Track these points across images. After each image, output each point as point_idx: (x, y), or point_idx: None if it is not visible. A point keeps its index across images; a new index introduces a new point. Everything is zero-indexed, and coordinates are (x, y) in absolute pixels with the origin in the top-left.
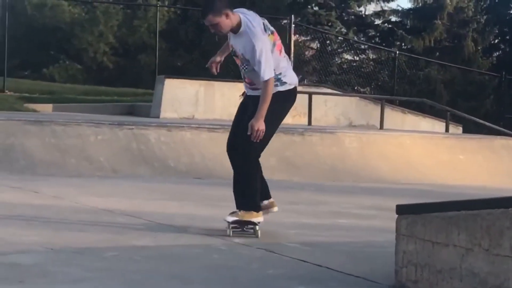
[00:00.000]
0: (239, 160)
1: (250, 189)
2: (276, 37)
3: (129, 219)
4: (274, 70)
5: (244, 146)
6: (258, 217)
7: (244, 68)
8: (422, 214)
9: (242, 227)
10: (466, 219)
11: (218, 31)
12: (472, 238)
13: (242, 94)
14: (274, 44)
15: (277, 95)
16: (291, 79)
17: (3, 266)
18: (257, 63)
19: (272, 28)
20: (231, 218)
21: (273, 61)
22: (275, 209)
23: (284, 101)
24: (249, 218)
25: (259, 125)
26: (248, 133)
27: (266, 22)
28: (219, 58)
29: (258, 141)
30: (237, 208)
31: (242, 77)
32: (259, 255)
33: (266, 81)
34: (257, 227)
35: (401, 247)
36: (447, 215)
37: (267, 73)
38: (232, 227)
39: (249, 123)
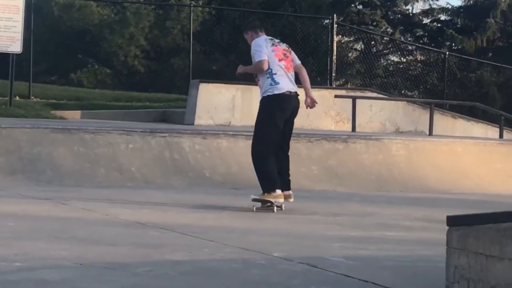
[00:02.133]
0: (252, 154)
1: (262, 176)
2: (279, 48)
3: (162, 232)
4: (269, 63)
5: (252, 144)
6: (275, 198)
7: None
8: (474, 226)
9: (263, 204)
10: None
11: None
12: None
13: None
14: (272, 50)
15: (268, 100)
16: (283, 85)
17: (30, 283)
18: (252, 55)
19: (278, 42)
20: (253, 196)
21: (269, 56)
22: (291, 199)
23: (274, 106)
24: (266, 198)
25: (238, 69)
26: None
27: (274, 39)
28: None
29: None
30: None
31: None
32: (300, 270)
33: (258, 61)
34: (274, 206)
35: (453, 261)
36: (501, 227)
37: (258, 56)
38: (255, 205)
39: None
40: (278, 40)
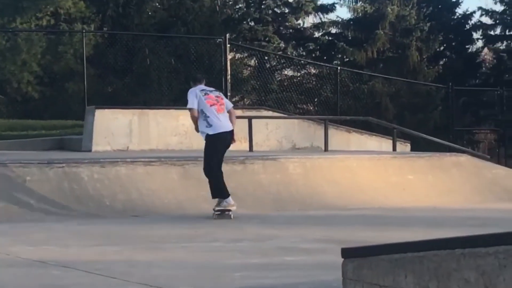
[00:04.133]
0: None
1: (216, 188)
2: (211, 96)
3: (64, 270)
4: (201, 110)
5: (203, 168)
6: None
7: None
8: (368, 257)
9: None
10: (412, 261)
11: None
12: (420, 280)
13: None
14: (205, 98)
15: (208, 138)
16: (215, 127)
17: None
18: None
19: (210, 91)
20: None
21: (200, 105)
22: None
23: (213, 142)
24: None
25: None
26: None
27: (208, 88)
28: None
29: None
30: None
31: None
32: None
33: (189, 109)
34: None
35: None
36: (393, 258)
37: (189, 105)
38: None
39: None
40: (212, 89)
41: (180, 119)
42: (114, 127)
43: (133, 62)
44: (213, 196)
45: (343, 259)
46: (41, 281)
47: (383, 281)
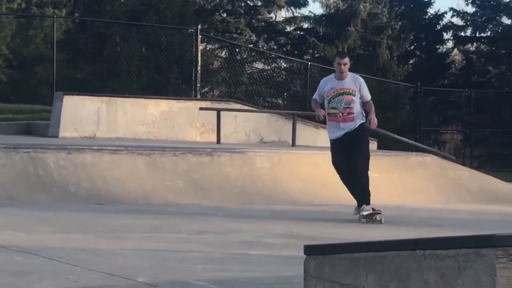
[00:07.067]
0: (365, 174)
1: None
2: None
3: (27, 257)
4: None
5: (366, 165)
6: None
7: (351, 102)
8: (330, 255)
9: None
10: (373, 261)
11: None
12: (381, 280)
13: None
14: None
15: (364, 125)
16: None
17: None
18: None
19: None
20: (365, 212)
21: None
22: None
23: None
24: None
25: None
26: (372, 127)
27: None
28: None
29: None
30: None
31: (339, 114)
32: None
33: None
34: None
35: None
36: (354, 257)
37: (369, 96)
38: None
39: (371, 120)
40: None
41: (149, 108)
42: (82, 114)
43: (104, 48)
44: (369, 201)
45: (305, 256)
46: (2, 266)
47: (344, 280)
